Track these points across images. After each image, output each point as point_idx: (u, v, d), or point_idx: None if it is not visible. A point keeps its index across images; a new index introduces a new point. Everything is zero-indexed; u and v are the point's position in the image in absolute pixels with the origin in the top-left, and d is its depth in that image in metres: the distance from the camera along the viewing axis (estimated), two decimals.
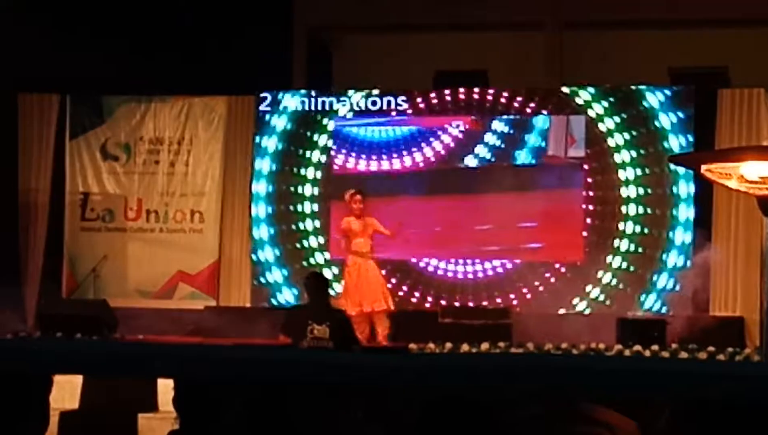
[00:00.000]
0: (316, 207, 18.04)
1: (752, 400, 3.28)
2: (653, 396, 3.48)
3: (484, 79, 19.60)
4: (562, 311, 16.89)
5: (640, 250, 17.07)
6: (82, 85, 18.47)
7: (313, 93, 18.26)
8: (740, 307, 16.51)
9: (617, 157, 17.23)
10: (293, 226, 18.06)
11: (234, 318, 17.13)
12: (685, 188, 16.92)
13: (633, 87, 17.40)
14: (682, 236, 16.92)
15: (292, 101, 18.11)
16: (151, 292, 18.19)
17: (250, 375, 3.41)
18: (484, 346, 14.33)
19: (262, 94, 18.16)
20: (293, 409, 3.78)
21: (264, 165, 18.08)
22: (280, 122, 18.08)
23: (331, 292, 12.06)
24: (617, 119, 17.29)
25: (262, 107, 18.16)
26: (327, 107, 18.06)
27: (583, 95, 17.39)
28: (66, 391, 11.61)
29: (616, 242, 17.13)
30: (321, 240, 17.95)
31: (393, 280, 17.46)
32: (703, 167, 8.37)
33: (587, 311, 16.95)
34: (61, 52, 17.88)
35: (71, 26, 18.19)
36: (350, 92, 18.09)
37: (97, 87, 18.54)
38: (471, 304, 16.68)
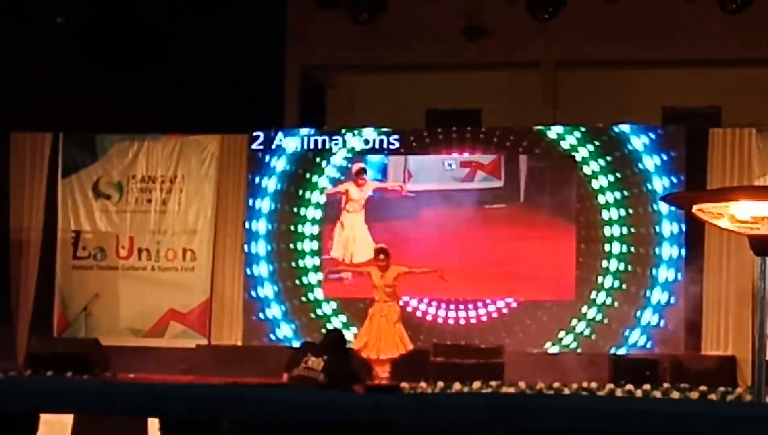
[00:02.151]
0: (315, 245, 18.04)
1: None
2: None
3: (477, 118, 19.66)
4: (549, 346, 16.91)
5: (624, 286, 17.10)
6: (75, 124, 18.50)
7: (306, 132, 18.25)
8: (732, 347, 16.51)
9: (602, 198, 17.26)
10: (286, 265, 18.06)
11: (226, 356, 17.11)
12: (669, 227, 16.96)
13: (616, 128, 17.37)
14: (666, 274, 16.94)
15: (289, 141, 18.09)
16: (143, 330, 18.14)
17: (237, 412, 3.40)
18: (476, 384, 14.30)
19: (254, 133, 18.18)
20: None
21: (263, 204, 18.09)
22: (278, 162, 18.08)
23: (346, 351, 12.00)
24: (602, 162, 17.31)
25: (254, 146, 18.18)
26: (321, 146, 18.03)
27: (570, 139, 17.39)
28: (56, 431, 11.54)
29: (601, 279, 17.14)
30: (320, 276, 17.96)
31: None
32: (695, 207, 8.36)
33: (573, 346, 16.95)
34: (55, 91, 17.93)
35: (64, 65, 18.23)
36: (343, 131, 18.10)
37: (89, 126, 18.57)
38: (463, 343, 16.65)
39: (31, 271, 18.39)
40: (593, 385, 14.60)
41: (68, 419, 11.81)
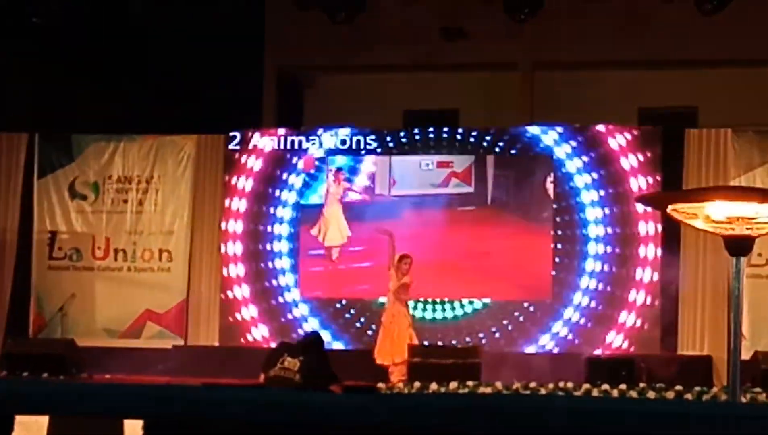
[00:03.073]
0: (287, 246, 18.05)
1: None
2: None
3: (454, 118, 19.69)
4: (528, 348, 16.99)
5: (603, 287, 17.16)
6: (51, 125, 18.45)
7: (282, 132, 18.25)
8: (708, 346, 16.57)
9: (580, 198, 17.33)
10: (262, 265, 18.05)
11: (203, 357, 17.09)
12: (646, 227, 17.03)
13: (599, 128, 17.47)
14: (643, 274, 17.00)
15: (263, 141, 18.10)
16: (119, 331, 18.09)
17: (217, 414, 3.40)
18: (453, 385, 14.31)
19: (231, 133, 18.16)
20: None
21: (238, 204, 18.10)
22: (252, 161, 18.08)
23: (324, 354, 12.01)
24: (580, 162, 17.38)
25: (231, 146, 18.16)
26: (297, 146, 18.07)
27: (546, 139, 17.47)
28: (32, 432, 11.51)
29: (579, 280, 17.21)
30: (292, 278, 17.97)
31: (362, 319, 17.55)
32: (670, 207, 8.39)
33: (551, 347, 17.03)
34: (30, 91, 17.88)
35: (40, 66, 18.19)
36: (320, 131, 18.11)
37: (66, 126, 18.52)
38: (440, 343, 16.66)
39: (7, 271, 18.32)
40: (569, 385, 14.61)
41: (44, 420, 11.79)
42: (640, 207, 16.67)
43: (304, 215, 17.97)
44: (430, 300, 17.37)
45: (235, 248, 18.04)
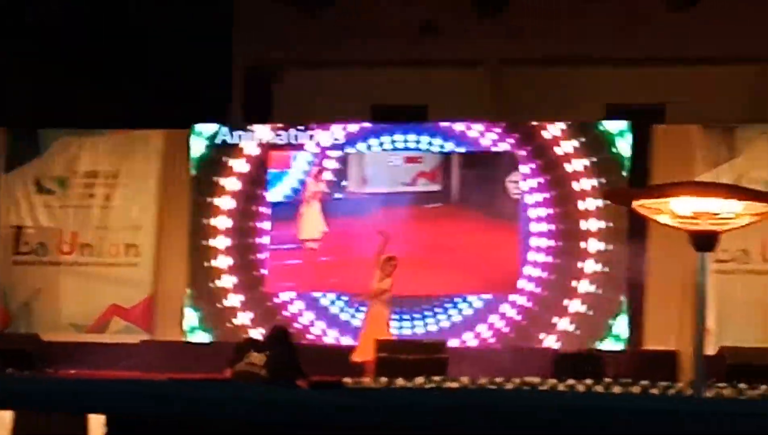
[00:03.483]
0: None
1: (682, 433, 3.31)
2: (588, 431, 3.50)
3: (423, 114, 19.70)
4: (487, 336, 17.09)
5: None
6: (19, 119, 18.35)
7: (257, 127, 18.25)
8: (674, 342, 16.63)
9: (528, 198, 17.45)
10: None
11: (170, 352, 17.04)
12: (597, 224, 17.13)
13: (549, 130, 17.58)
14: (594, 267, 17.15)
15: (244, 140, 18.10)
16: (85, 326, 18.01)
17: (182, 411, 3.39)
18: (419, 380, 14.31)
19: (198, 128, 18.11)
20: None
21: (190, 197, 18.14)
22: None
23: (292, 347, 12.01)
24: (533, 165, 17.49)
25: (199, 141, 18.10)
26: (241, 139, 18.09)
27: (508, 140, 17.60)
28: None
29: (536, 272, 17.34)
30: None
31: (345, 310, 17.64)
32: (635, 203, 8.44)
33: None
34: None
35: (7, 60, 18.10)
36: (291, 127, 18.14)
37: (33, 120, 18.42)
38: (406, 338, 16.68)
39: None
40: (536, 379, 14.65)
41: (8, 416, 11.73)
42: (591, 204, 16.83)
43: (279, 211, 17.95)
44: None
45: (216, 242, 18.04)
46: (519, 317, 17.28)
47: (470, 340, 17.31)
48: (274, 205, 17.98)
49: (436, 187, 17.75)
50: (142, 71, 18.88)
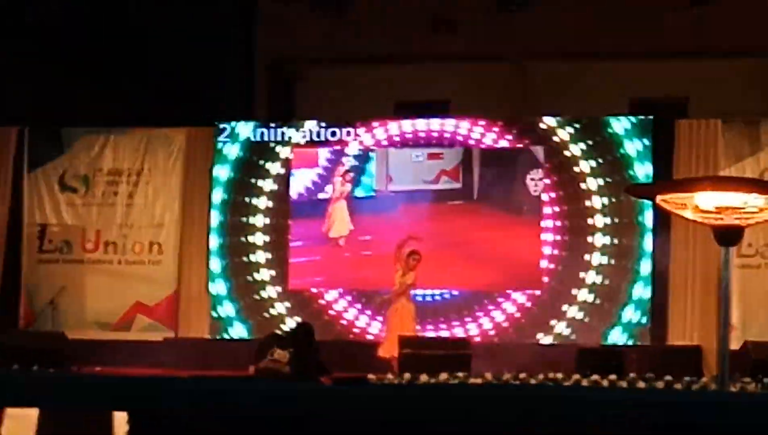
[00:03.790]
0: (268, 238, 18.06)
1: (709, 428, 3.30)
2: (612, 425, 3.50)
3: (445, 109, 19.69)
4: (541, 337, 17.08)
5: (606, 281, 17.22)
6: (42, 118, 18.41)
7: (271, 123, 18.26)
8: (697, 336, 16.59)
9: (583, 186, 17.39)
10: (245, 259, 18.06)
11: (193, 350, 17.08)
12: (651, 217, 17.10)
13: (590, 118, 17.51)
14: (645, 266, 17.07)
15: (246, 130, 18.10)
16: (110, 323, 18.07)
17: (204, 406, 3.40)
18: (443, 376, 14.30)
19: (221, 126, 18.14)
20: None
21: (217, 195, 18.12)
22: (233, 151, 18.09)
23: (315, 344, 12.02)
24: (583, 146, 17.42)
25: (221, 138, 18.12)
26: (281, 137, 18.08)
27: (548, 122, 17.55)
28: (22, 424, 11.50)
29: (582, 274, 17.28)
30: (273, 272, 17.99)
31: (357, 308, 17.64)
32: (659, 197, 8.41)
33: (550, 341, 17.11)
34: (20, 84, 17.85)
35: (30, 59, 18.16)
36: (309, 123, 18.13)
37: (56, 119, 18.49)
38: (431, 335, 16.68)
39: None
40: (559, 375, 14.61)
41: (34, 413, 11.78)
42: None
43: (301, 208, 17.98)
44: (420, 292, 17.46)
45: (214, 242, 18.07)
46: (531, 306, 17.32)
47: (490, 334, 17.29)
48: (299, 203, 18.00)
49: (457, 185, 17.78)
50: (165, 70, 18.92)
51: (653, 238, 16.98)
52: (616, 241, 17.19)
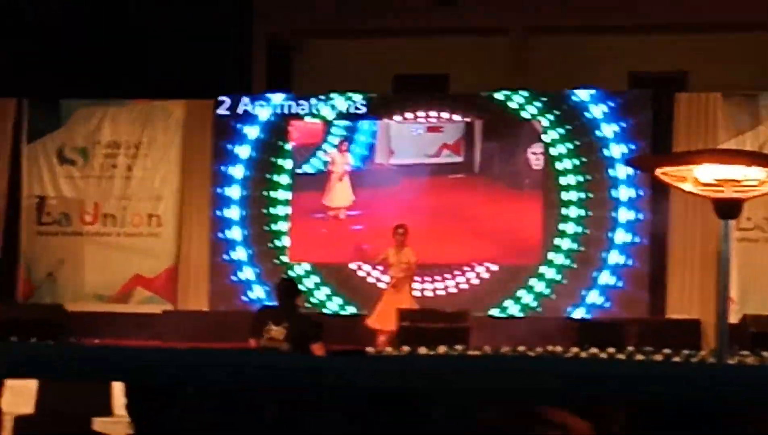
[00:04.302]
0: (288, 210, 18.07)
1: (707, 401, 3.30)
2: (608, 398, 3.50)
3: (444, 83, 19.67)
4: (510, 306, 17.11)
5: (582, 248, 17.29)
6: (40, 90, 18.37)
7: (273, 97, 18.23)
8: (696, 310, 16.61)
9: (559, 165, 17.42)
10: (264, 228, 18.09)
11: (192, 322, 17.09)
12: (627, 192, 17.08)
13: (575, 97, 17.49)
14: (624, 237, 17.11)
15: (258, 109, 18.08)
16: (109, 296, 18.09)
17: (201, 378, 3.40)
18: (441, 349, 14.33)
19: (220, 98, 18.11)
20: (249, 411, 3.77)
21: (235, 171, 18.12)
22: (250, 130, 18.07)
23: (300, 296, 12.04)
24: (562, 130, 17.44)
25: (220, 111, 18.11)
26: (288, 111, 18.08)
27: (531, 108, 17.55)
28: (21, 396, 11.52)
29: (558, 241, 17.32)
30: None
31: (350, 284, 17.66)
32: (658, 170, 8.41)
33: (534, 306, 17.15)
34: (18, 56, 17.81)
35: (28, 31, 18.11)
36: (311, 97, 18.12)
37: (54, 91, 18.45)
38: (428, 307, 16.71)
39: None
40: (558, 348, 14.66)
41: (33, 385, 11.79)
42: (621, 172, 16.79)
43: (305, 182, 17.97)
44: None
45: (231, 213, 18.07)
46: (547, 289, 17.35)
47: (493, 310, 17.33)
48: (298, 176, 18.00)
49: (458, 159, 17.77)
50: (162, 41, 18.87)
51: (650, 212, 16.99)
52: (590, 213, 17.26)
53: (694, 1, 18.54)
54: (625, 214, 17.12)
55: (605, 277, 17.12)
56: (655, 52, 19.59)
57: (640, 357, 14.03)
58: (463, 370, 3.27)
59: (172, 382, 3.76)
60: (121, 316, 17.38)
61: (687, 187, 8.55)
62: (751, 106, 16.93)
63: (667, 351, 14.30)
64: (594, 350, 14.40)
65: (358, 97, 17.90)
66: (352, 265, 17.80)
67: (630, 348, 14.63)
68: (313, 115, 17.99)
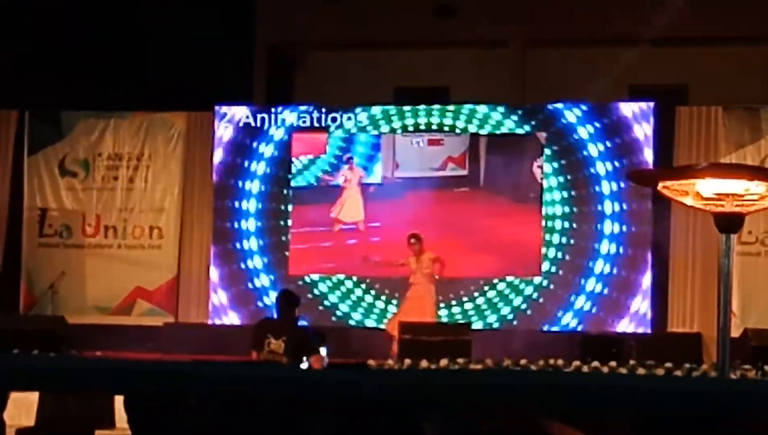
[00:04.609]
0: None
1: (709, 415, 3.30)
2: (610, 412, 3.50)
3: (445, 95, 19.67)
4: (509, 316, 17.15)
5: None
6: (41, 101, 18.39)
7: (275, 109, 18.27)
8: (698, 324, 16.61)
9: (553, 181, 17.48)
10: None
11: (193, 334, 17.09)
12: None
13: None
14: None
15: (240, 114, 18.11)
16: (110, 308, 18.09)
17: (205, 390, 3.40)
18: (443, 362, 14.31)
19: (221, 110, 18.13)
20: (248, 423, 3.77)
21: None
22: (226, 133, 18.09)
23: (298, 309, 12.03)
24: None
25: (222, 123, 18.12)
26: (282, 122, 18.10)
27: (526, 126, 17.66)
28: (23, 408, 11.53)
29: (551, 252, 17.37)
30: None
31: (352, 297, 17.66)
32: (660, 184, 8.39)
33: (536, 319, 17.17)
34: (20, 68, 17.82)
35: (30, 43, 18.13)
36: (311, 108, 18.14)
37: (56, 103, 18.47)
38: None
39: None
40: (560, 362, 14.64)
41: (34, 397, 11.80)
42: (605, 188, 16.85)
43: (303, 195, 17.97)
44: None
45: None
46: (540, 299, 17.35)
47: (494, 322, 17.33)
48: (301, 189, 18.00)
49: (464, 172, 17.79)
50: (165, 54, 18.89)
51: (652, 226, 17.00)
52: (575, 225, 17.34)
53: (696, 14, 18.54)
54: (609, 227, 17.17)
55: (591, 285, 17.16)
56: (656, 65, 19.60)
57: (641, 371, 14.01)
58: (463, 385, 3.27)
59: (173, 394, 3.76)
60: (122, 328, 17.38)
61: (688, 201, 8.53)
62: (752, 120, 16.94)
63: (668, 365, 14.29)
64: (596, 364, 14.38)
65: (362, 113, 17.95)
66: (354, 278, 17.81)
67: (632, 362, 14.62)
68: (315, 129, 18.01)
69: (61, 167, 18.50)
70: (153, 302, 18.04)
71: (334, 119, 18.00)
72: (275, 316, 11.89)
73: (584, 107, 17.55)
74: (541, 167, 17.54)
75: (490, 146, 17.73)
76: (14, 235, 18.35)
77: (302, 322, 12.62)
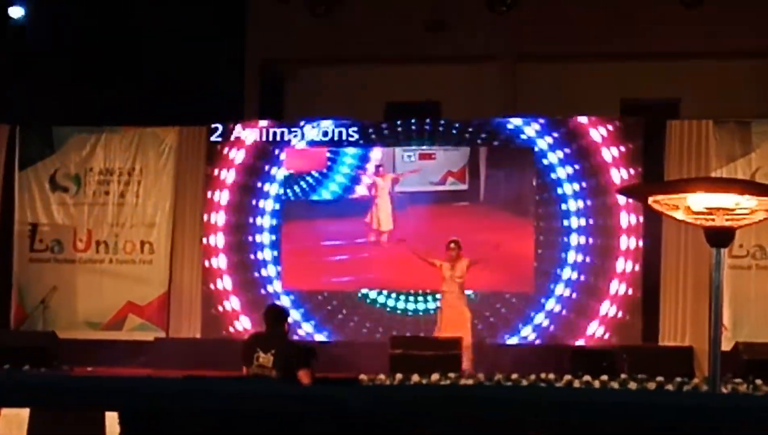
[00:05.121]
0: (273, 237, 18.07)
1: (699, 429, 3.30)
2: (601, 425, 3.50)
3: (436, 110, 19.68)
4: (509, 339, 17.08)
5: (583, 278, 17.26)
6: (33, 116, 18.39)
7: (264, 124, 18.27)
8: (689, 337, 16.62)
9: (560, 190, 17.44)
10: (251, 256, 18.07)
11: (185, 349, 17.05)
12: (627, 219, 17.10)
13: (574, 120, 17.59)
14: (624, 265, 17.09)
15: (247, 133, 18.12)
16: (101, 323, 18.05)
17: (196, 407, 3.40)
18: (434, 376, 14.30)
19: (213, 125, 18.14)
20: None
21: (222, 196, 18.12)
22: (234, 154, 18.10)
23: (287, 323, 12.02)
24: (561, 153, 17.48)
25: (213, 138, 18.14)
26: (280, 138, 18.12)
27: (528, 130, 17.62)
28: (13, 425, 11.48)
29: (560, 271, 17.30)
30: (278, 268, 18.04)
31: (344, 311, 17.59)
32: (651, 198, 8.40)
33: (533, 339, 17.13)
34: (12, 83, 17.81)
35: (21, 58, 18.12)
36: (302, 123, 18.15)
37: (47, 118, 18.46)
38: (421, 334, 16.70)
39: None
40: (551, 376, 14.63)
41: (25, 413, 11.75)
42: (621, 198, 16.72)
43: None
44: (404, 291, 17.52)
45: (217, 240, 18.05)
46: (546, 321, 17.35)
47: (486, 337, 17.32)
48: (295, 204, 18.03)
49: (463, 187, 17.80)
50: (156, 69, 18.89)
51: (643, 239, 17.01)
52: (592, 241, 17.28)
53: (687, 28, 18.58)
54: (626, 242, 17.14)
55: (606, 308, 17.14)
56: (648, 79, 19.63)
57: (633, 385, 14.02)
58: (455, 399, 3.28)
59: (166, 410, 3.76)
60: (114, 343, 17.35)
61: (679, 215, 8.54)
62: (743, 134, 16.97)
63: (660, 379, 14.29)
64: (587, 378, 14.38)
65: (352, 127, 17.98)
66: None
67: (623, 376, 14.62)
68: (313, 142, 18.05)
69: (52, 182, 18.48)
70: (144, 317, 18.01)
71: (325, 133, 18.00)
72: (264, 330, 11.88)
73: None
74: (534, 176, 17.57)
75: (489, 160, 17.71)
76: (5, 250, 18.32)
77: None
